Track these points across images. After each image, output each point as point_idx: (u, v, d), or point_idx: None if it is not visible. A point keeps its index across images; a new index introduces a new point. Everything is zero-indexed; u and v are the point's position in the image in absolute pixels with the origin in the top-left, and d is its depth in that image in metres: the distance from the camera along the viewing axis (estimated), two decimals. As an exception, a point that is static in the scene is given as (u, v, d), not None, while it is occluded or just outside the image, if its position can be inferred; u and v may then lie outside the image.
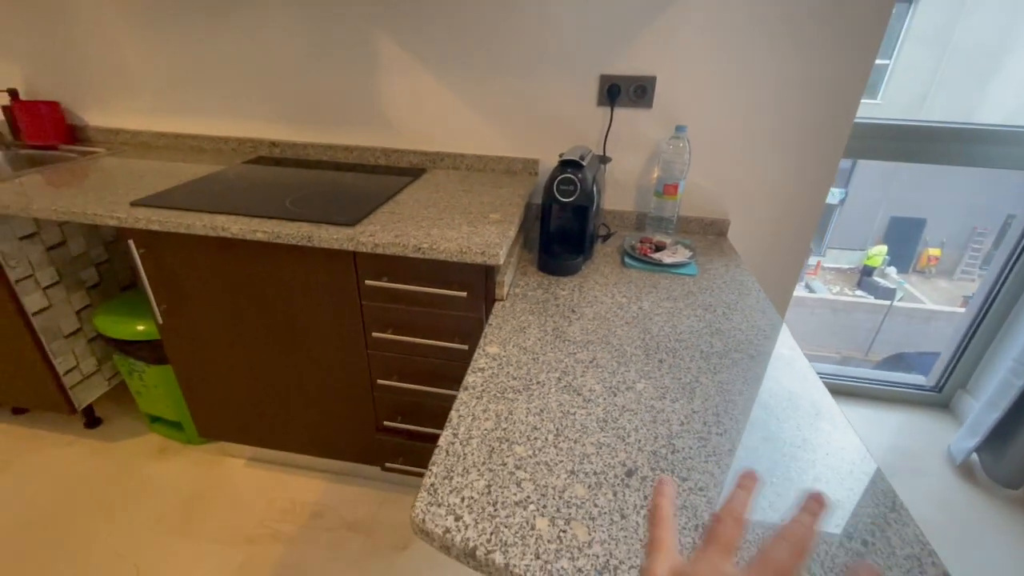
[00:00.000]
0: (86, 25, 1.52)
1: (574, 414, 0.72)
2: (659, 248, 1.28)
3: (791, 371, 0.85)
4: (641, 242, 1.31)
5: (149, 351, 1.40)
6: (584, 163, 1.11)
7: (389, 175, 1.43)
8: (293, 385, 1.28)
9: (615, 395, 0.77)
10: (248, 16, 1.42)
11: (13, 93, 1.61)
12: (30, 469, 1.53)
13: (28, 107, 1.57)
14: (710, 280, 1.17)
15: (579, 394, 0.76)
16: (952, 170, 1.44)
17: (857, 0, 1.15)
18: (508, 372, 0.80)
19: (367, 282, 1.06)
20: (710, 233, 1.45)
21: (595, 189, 1.14)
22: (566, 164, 1.10)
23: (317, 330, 1.18)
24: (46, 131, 1.60)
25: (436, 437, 1.24)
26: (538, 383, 0.78)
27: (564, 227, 1.21)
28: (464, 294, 1.03)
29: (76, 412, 1.52)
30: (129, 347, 1.42)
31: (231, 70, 1.50)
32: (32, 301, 1.35)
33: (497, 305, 1.01)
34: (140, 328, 1.38)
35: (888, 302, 8.20)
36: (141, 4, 1.46)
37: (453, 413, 0.71)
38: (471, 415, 0.71)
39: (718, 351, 0.89)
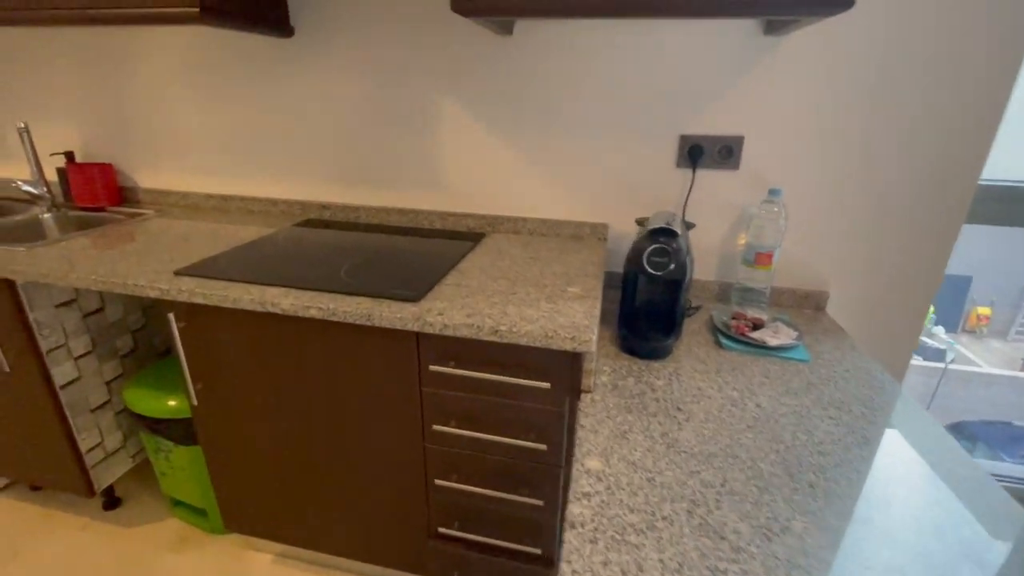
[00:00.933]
0: (142, 88, 1.51)
1: (725, 573, 0.54)
2: (757, 326, 1.12)
3: (982, 494, 0.65)
4: (735, 318, 1.15)
5: (179, 430, 1.27)
6: (678, 231, 0.98)
7: (447, 240, 1.32)
8: (335, 478, 1.12)
9: (770, 540, 0.58)
10: (302, 79, 1.38)
11: (70, 156, 1.60)
12: (40, 558, 1.37)
13: (82, 169, 1.54)
14: (828, 368, 0.98)
15: (723, 538, 0.58)
16: (996, 228, 1.27)
17: (983, 45, 1.03)
18: (621, 500, 0.63)
19: (431, 367, 0.92)
20: (806, 307, 1.28)
21: (688, 260, 1.00)
22: (658, 233, 0.97)
23: (367, 418, 1.03)
24: (96, 193, 1.57)
25: (501, 550, 1.06)
26: (664, 518, 0.61)
27: (651, 302, 1.06)
28: (547, 385, 0.87)
29: (95, 495, 1.38)
30: (158, 424, 1.29)
31: (282, 131, 1.46)
32: (62, 373, 1.25)
33: (584, 398, 0.85)
34: (171, 404, 1.26)
35: (941, 364, 7.67)
36: (198, 68, 1.44)
37: (565, 567, 0.54)
38: (589, 570, 0.53)
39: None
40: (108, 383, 1.38)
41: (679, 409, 0.83)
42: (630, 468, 0.69)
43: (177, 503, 1.47)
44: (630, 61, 1.19)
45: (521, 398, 0.92)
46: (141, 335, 1.47)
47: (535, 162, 1.33)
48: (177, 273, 1.03)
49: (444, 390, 0.95)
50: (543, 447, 0.92)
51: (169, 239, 1.27)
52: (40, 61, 1.56)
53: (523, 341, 0.84)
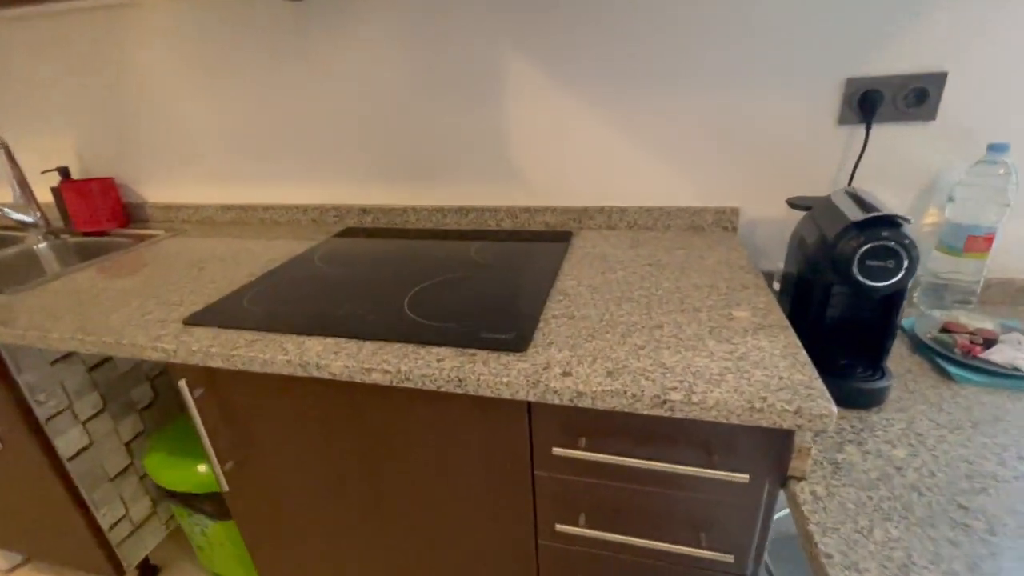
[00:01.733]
0: (138, 86, 1.24)
1: None
2: (989, 342, 0.78)
3: None
4: (949, 331, 0.81)
5: (214, 504, 1.03)
6: (905, 221, 0.65)
7: (527, 244, 1.02)
8: (403, 573, 0.85)
9: None
10: (324, 51, 1.08)
11: (64, 172, 1.36)
12: (70, 649, 1.17)
13: (79, 187, 1.30)
14: None
15: None
16: None
17: None
18: None
19: (555, 450, 0.62)
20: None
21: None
22: (875, 225, 0.64)
23: (448, 506, 0.75)
24: (97, 214, 1.32)
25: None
26: None
27: (850, 322, 0.74)
28: (744, 478, 0.57)
29: (124, 575, 1.16)
30: (189, 498, 1.05)
31: (305, 121, 1.17)
32: (67, 442, 1.01)
33: (796, 487, 0.55)
34: (201, 471, 1.01)
35: None
36: (199, 54, 1.16)
37: None
38: None
39: None
40: (127, 444, 1.14)
41: (962, 507, 0.52)
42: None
43: (220, 576, 1.25)
44: (776, -22, 0.84)
45: (693, 488, 0.62)
46: (162, 381, 1.23)
47: (632, 131, 1.00)
48: (187, 323, 0.76)
49: (570, 475, 0.66)
50: (728, 558, 0.62)
51: (180, 268, 1.01)
52: (18, 60, 1.31)
53: (710, 416, 0.53)
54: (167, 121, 1.27)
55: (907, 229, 0.64)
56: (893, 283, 0.64)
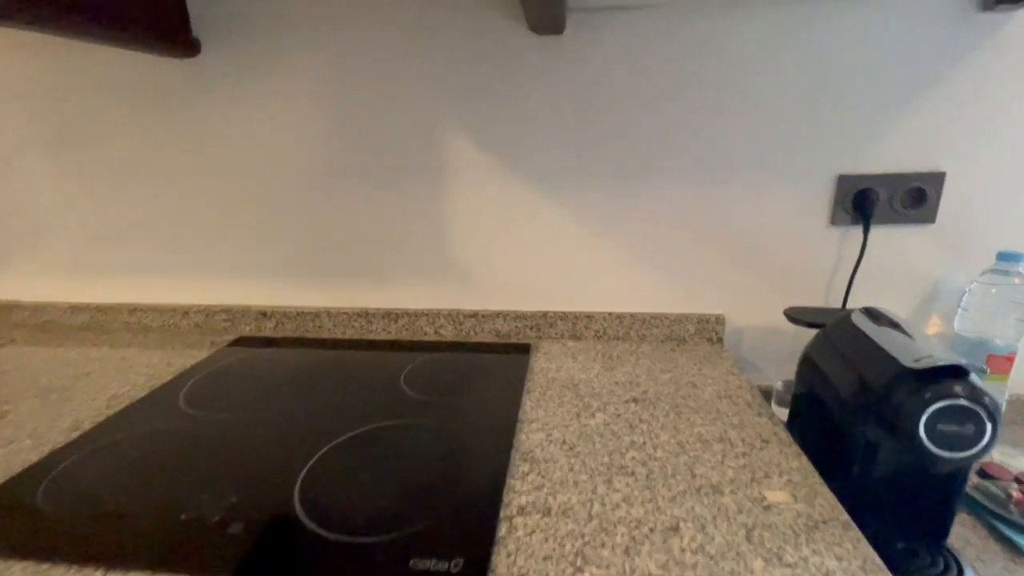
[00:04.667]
0: (-35, 149, 0.95)
1: None
2: (1041, 491, 0.64)
3: None
4: (990, 475, 0.67)
5: None
6: (974, 368, 0.50)
7: (473, 359, 0.80)
8: None
9: None
10: (223, 120, 0.86)
11: None
12: None
13: None
14: None
15: None
16: None
17: None
18: None
19: None
20: (1044, 424, 0.82)
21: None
22: (944, 375, 0.48)
23: None
24: None
25: None
26: None
27: (897, 486, 0.57)
28: None
29: None
30: None
31: (194, 203, 0.92)
32: None
33: None
34: None
35: None
36: (57, 120, 0.90)
37: None
38: None
39: None
40: None
41: None
42: None
43: None
44: (754, 57, 0.74)
45: None
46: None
47: (600, 228, 0.84)
48: (-81, 545, 0.46)
49: None
50: None
51: (-28, 413, 0.69)
52: None
53: None
54: (3, 198, 0.97)
55: (977, 380, 0.49)
56: (971, 454, 0.48)
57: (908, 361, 0.50)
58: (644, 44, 0.75)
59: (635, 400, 0.68)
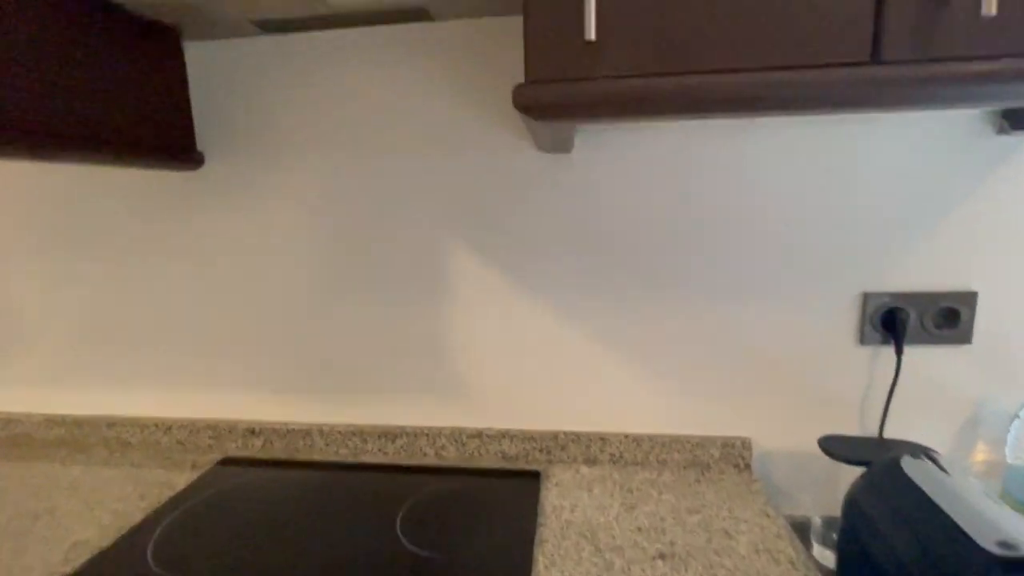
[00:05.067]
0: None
1: None
2: None
3: None
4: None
5: None
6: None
7: (477, 488, 0.72)
8: None
9: None
10: (219, 229, 0.84)
11: None
12: None
13: None
14: None
15: None
16: None
17: None
18: None
19: None
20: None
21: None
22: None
23: None
24: None
25: None
26: None
27: None
28: None
29: None
30: None
31: (183, 311, 0.88)
32: None
33: None
34: None
35: None
36: (44, 221, 0.88)
37: None
38: None
39: None
40: None
41: None
42: None
43: None
44: (773, 179, 0.72)
45: None
46: None
47: (615, 344, 0.79)
48: None
49: None
50: None
51: (-90, 568, 0.61)
52: None
53: None
54: (-14, 303, 0.94)
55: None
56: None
57: (988, 543, 0.43)
58: (654, 161, 0.74)
59: (662, 556, 0.60)
